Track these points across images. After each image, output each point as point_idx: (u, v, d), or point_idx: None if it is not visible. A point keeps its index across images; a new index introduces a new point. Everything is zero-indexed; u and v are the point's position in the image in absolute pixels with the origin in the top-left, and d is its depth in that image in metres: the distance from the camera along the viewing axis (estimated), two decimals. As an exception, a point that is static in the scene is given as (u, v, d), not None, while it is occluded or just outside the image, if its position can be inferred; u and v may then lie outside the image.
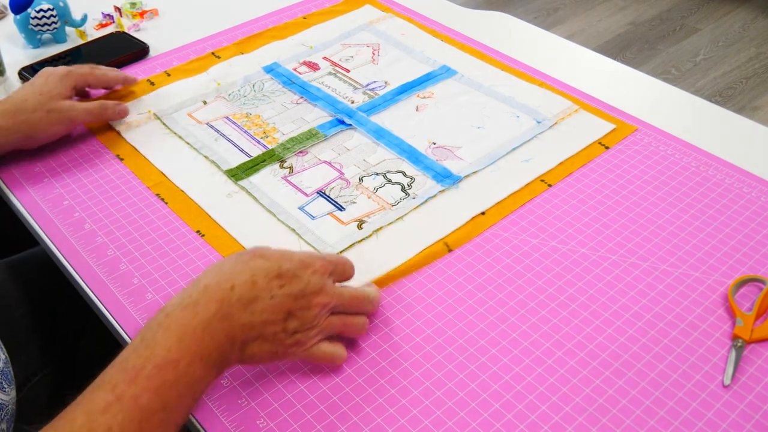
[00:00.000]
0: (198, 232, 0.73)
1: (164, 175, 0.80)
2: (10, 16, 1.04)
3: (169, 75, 0.96)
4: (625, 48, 2.54)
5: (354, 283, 0.63)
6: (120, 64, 0.96)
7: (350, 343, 0.61)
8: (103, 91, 0.91)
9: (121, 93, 0.92)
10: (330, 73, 0.96)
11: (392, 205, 0.75)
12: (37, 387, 0.82)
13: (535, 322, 0.63)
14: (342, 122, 0.86)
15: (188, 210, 0.75)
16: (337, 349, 0.59)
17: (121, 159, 0.82)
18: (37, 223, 0.74)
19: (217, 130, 0.86)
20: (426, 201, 0.75)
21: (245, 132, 0.86)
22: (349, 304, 0.60)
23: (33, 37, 1.01)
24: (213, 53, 1.00)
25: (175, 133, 0.86)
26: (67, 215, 0.75)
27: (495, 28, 1.06)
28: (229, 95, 0.92)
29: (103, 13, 1.08)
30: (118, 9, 1.08)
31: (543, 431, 0.55)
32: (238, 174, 0.79)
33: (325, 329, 0.58)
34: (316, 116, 0.88)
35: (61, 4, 1.00)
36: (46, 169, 0.81)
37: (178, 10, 1.11)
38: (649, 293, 0.65)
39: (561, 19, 2.72)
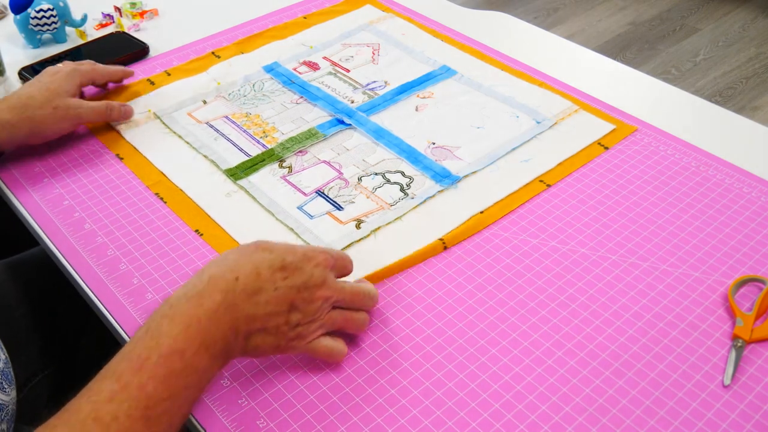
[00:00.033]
0: (197, 231, 0.73)
1: (163, 174, 0.80)
2: (10, 16, 1.04)
3: (169, 75, 0.96)
4: (625, 48, 2.54)
5: (350, 279, 0.63)
6: (120, 64, 0.96)
7: (350, 343, 0.61)
8: (96, 90, 0.92)
9: (121, 93, 0.92)
10: (330, 73, 0.96)
11: (391, 205, 0.75)
12: (38, 387, 0.82)
13: (535, 322, 0.63)
14: (341, 122, 0.86)
15: (187, 209, 0.75)
16: (337, 344, 0.59)
17: (121, 158, 0.82)
18: (37, 223, 0.74)
19: (217, 130, 0.86)
20: (425, 201, 0.75)
21: (245, 131, 0.86)
22: (350, 300, 0.60)
23: (33, 37, 1.01)
24: (213, 53, 1.00)
25: (174, 133, 0.86)
26: (67, 215, 0.75)
27: (495, 28, 1.06)
28: (229, 95, 0.92)
29: (103, 13, 1.08)
30: (118, 9, 1.08)
31: (543, 431, 0.55)
32: (237, 173, 0.79)
33: (327, 323, 0.58)
34: (315, 116, 0.88)
35: (61, 4, 1.00)
36: (46, 169, 0.81)
37: (178, 10, 1.11)
38: (649, 293, 0.65)
39: (561, 19, 2.72)
